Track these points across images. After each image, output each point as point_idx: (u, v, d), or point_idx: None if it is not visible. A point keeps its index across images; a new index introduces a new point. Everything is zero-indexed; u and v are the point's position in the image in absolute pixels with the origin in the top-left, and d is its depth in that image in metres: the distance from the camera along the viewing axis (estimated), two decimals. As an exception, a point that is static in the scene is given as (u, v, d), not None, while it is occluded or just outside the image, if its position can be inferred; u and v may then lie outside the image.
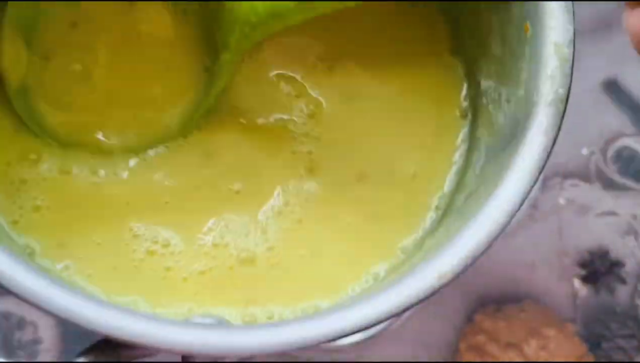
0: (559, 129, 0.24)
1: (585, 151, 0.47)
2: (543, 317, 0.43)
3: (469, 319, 0.43)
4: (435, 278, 0.21)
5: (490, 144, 0.26)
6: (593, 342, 0.43)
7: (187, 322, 0.23)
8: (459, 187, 0.27)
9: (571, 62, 0.24)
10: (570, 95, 0.48)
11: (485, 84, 0.28)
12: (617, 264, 0.44)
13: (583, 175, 0.46)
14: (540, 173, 0.23)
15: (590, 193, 0.46)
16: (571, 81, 0.24)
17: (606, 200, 0.46)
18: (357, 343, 0.33)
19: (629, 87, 0.49)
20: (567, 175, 0.46)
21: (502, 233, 0.22)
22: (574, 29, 0.24)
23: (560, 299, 0.43)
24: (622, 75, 0.49)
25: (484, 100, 0.28)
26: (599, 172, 0.46)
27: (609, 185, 0.46)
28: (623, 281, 0.44)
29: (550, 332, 0.43)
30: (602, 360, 0.42)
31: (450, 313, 0.43)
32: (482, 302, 0.43)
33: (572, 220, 0.45)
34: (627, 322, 0.43)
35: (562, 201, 0.46)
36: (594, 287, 0.44)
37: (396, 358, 0.42)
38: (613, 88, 0.49)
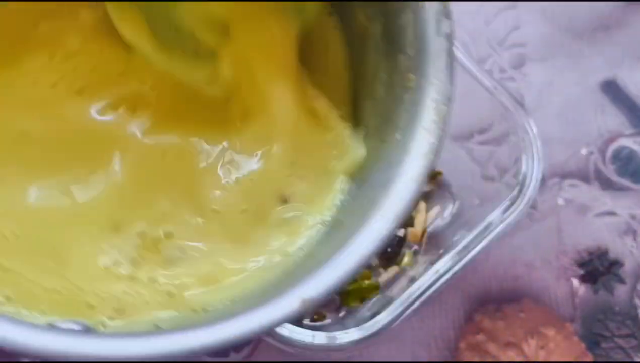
0: (427, 177, 0.24)
1: (584, 151, 0.47)
2: (542, 316, 0.43)
3: (469, 319, 0.43)
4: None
5: (365, 177, 0.27)
6: (592, 341, 0.43)
7: (50, 328, 0.22)
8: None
9: (447, 119, 0.24)
10: (570, 95, 0.48)
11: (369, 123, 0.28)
12: (615, 264, 0.44)
13: (582, 175, 0.46)
14: (405, 215, 0.23)
15: (589, 193, 0.46)
16: (444, 136, 0.25)
17: (605, 200, 0.46)
18: (357, 343, 0.33)
19: (628, 88, 0.49)
20: (565, 176, 0.46)
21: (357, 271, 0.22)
22: (452, 88, 0.24)
23: (560, 299, 0.43)
24: (621, 75, 0.49)
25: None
26: (598, 172, 0.47)
27: (608, 185, 0.46)
28: (622, 281, 0.44)
29: (550, 332, 0.43)
30: (601, 360, 0.42)
31: (449, 312, 0.43)
32: (482, 302, 0.43)
33: (571, 220, 0.45)
34: (626, 321, 0.43)
35: (561, 201, 0.46)
36: (593, 286, 0.44)
37: (396, 358, 0.42)
38: (612, 88, 0.49)
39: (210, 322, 0.21)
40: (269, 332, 0.22)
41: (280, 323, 0.21)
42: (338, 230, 0.25)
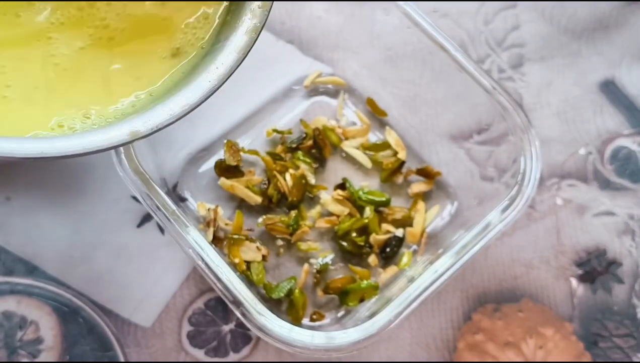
0: (249, 52, 0.30)
1: (582, 151, 0.47)
2: (541, 316, 0.43)
3: (468, 318, 0.43)
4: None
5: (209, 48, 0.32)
6: (590, 341, 0.43)
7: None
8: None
9: (271, 5, 0.30)
10: (568, 95, 0.48)
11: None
12: (614, 264, 0.44)
13: (580, 175, 0.46)
14: (225, 75, 0.29)
15: (587, 193, 0.46)
16: (267, 18, 0.30)
17: (603, 200, 0.46)
18: (355, 343, 0.33)
19: (626, 88, 0.49)
20: (564, 176, 0.46)
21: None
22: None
23: (558, 298, 0.43)
24: (620, 75, 0.49)
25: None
26: (596, 172, 0.47)
27: (606, 185, 0.46)
28: (620, 280, 0.44)
29: (548, 331, 0.43)
30: (600, 359, 0.42)
31: (448, 312, 0.43)
32: (481, 302, 0.43)
33: (569, 220, 0.45)
34: (624, 321, 0.43)
35: (559, 201, 0.46)
36: (592, 286, 0.44)
37: (395, 358, 0.42)
38: (610, 88, 0.49)
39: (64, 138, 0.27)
40: (95, 153, 0.27)
41: (107, 148, 0.27)
42: (180, 82, 0.30)
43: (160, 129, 0.28)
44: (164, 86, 0.31)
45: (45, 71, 0.30)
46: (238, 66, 0.29)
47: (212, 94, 0.29)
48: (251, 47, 0.30)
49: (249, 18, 0.30)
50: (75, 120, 0.29)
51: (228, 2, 0.32)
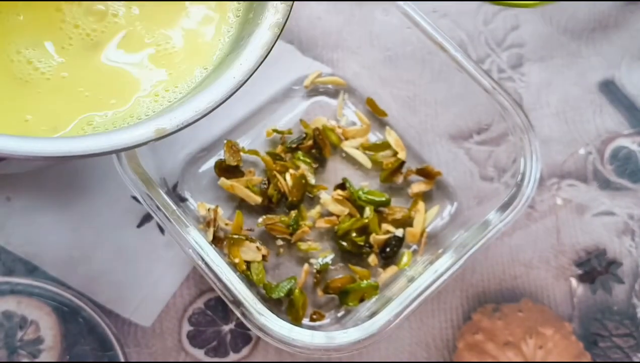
0: (273, 46, 0.30)
1: (582, 151, 0.47)
2: (541, 316, 0.43)
3: (467, 318, 0.43)
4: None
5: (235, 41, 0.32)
6: (590, 340, 0.43)
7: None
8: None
9: (293, 1, 0.30)
10: (568, 95, 0.48)
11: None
12: (614, 263, 0.44)
13: (580, 175, 0.46)
14: (249, 71, 0.29)
15: (587, 193, 0.46)
16: (290, 13, 0.31)
17: (603, 200, 0.46)
18: (355, 343, 0.33)
19: (626, 88, 0.49)
20: (564, 176, 0.46)
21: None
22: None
23: (558, 298, 0.43)
24: (619, 75, 0.49)
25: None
26: (596, 172, 0.47)
27: (606, 185, 0.46)
28: (620, 280, 0.44)
29: (548, 331, 0.43)
30: (599, 359, 0.42)
31: (448, 312, 0.43)
32: (480, 301, 0.43)
33: (569, 220, 0.45)
34: (624, 321, 0.43)
35: (559, 201, 0.46)
36: (591, 286, 0.44)
37: (395, 358, 0.42)
38: (610, 88, 0.49)
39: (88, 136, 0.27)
40: (123, 150, 0.27)
41: (134, 145, 0.27)
42: (206, 79, 0.31)
43: (186, 126, 0.28)
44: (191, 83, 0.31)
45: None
46: (263, 61, 0.29)
47: (237, 90, 0.29)
48: (275, 43, 0.30)
49: (272, 14, 0.30)
50: (99, 119, 0.29)
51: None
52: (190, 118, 0.28)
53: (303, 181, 0.42)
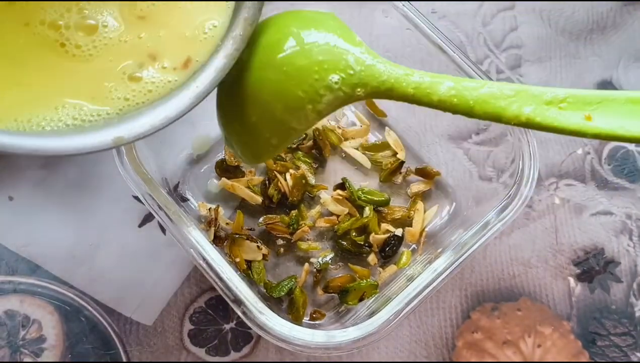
0: (226, 73, 0.31)
1: (580, 151, 0.47)
2: (539, 315, 0.43)
3: (466, 317, 0.43)
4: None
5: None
6: (588, 339, 0.43)
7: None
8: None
9: (249, 35, 0.31)
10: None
11: None
12: (612, 263, 0.45)
13: (578, 175, 0.47)
14: (203, 98, 0.30)
15: (585, 193, 0.46)
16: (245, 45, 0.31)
17: (601, 199, 0.46)
18: (355, 342, 0.33)
19: (624, 88, 0.49)
20: (562, 175, 0.46)
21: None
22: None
23: (556, 297, 0.44)
24: (617, 76, 0.49)
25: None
26: (594, 171, 0.47)
27: (604, 184, 0.46)
28: (618, 279, 0.44)
29: (546, 330, 0.43)
30: (597, 358, 0.43)
31: (447, 311, 0.43)
32: (479, 300, 0.43)
33: (567, 220, 0.45)
34: (622, 319, 0.43)
35: (557, 201, 0.46)
36: (589, 285, 0.44)
37: (394, 356, 0.42)
38: (608, 89, 0.49)
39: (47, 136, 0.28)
40: (82, 153, 0.28)
41: (92, 150, 0.28)
42: (165, 96, 0.31)
43: (141, 138, 0.29)
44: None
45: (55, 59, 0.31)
46: (216, 85, 0.31)
47: (190, 110, 0.30)
48: (228, 70, 0.31)
49: (230, 44, 0.31)
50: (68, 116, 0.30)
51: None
52: (146, 131, 0.29)
53: (303, 181, 0.43)
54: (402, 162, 0.44)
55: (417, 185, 0.44)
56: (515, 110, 0.29)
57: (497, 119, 0.30)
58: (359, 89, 0.31)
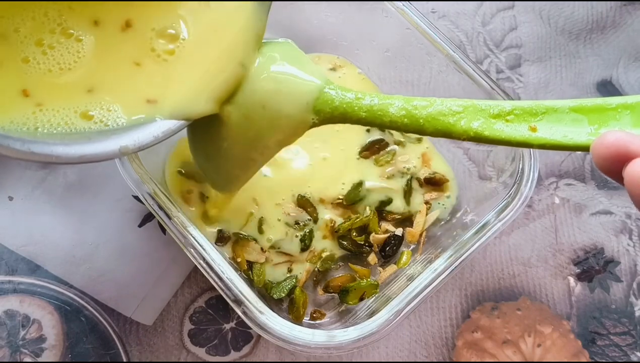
0: None
1: (580, 151, 0.47)
2: (539, 314, 0.43)
3: (466, 317, 0.43)
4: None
5: None
6: (588, 339, 0.43)
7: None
8: None
9: None
10: (565, 95, 0.48)
11: None
12: (611, 262, 0.45)
13: (578, 175, 0.47)
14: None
15: (585, 193, 0.46)
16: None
17: (601, 199, 0.46)
18: (355, 341, 0.34)
19: (623, 88, 0.49)
20: (562, 175, 0.46)
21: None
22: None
23: (556, 297, 0.44)
24: (617, 76, 0.49)
25: None
26: (594, 171, 0.47)
27: (604, 184, 0.46)
28: (618, 279, 0.44)
29: (546, 329, 0.43)
30: (597, 357, 0.43)
31: (447, 311, 0.43)
32: (479, 300, 0.43)
33: (567, 219, 0.45)
34: (621, 319, 0.44)
35: (557, 200, 0.46)
36: (589, 284, 0.44)
37: (394, 356, 0.42)
38: (607, 88, 0.49)
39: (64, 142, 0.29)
40: (90, 161, 0.29)
41: (100, 158, 0.29)
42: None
43: (144, 149, 0.30)
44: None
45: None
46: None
47: (186, 126, 0.32)
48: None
49: None
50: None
51: None
52: (150, 142, 0.30)
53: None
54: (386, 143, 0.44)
55: (430, 194, 0.44)
56: (464, 125, 0.30)
57: (448, 135, 0.30)
58: (313, 117, 0.32)
